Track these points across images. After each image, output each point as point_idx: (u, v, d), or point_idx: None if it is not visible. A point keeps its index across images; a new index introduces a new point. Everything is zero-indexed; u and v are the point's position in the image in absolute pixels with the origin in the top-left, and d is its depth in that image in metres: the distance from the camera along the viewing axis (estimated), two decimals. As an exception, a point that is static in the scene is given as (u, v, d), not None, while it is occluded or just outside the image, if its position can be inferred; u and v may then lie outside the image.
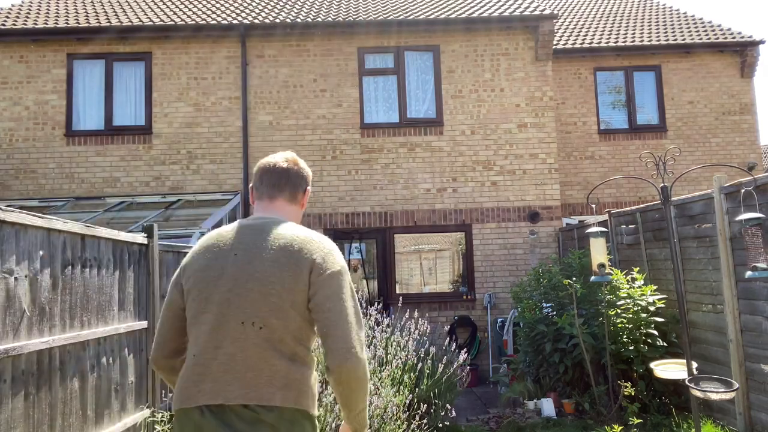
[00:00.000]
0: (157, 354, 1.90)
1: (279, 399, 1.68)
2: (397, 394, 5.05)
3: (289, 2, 11.13)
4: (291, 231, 1.81)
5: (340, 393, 1.73)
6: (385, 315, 6.14)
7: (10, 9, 10.65)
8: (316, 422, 1.75)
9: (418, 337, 5.81)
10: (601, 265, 4.72)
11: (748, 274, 3.62)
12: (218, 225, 8.27)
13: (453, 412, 5.51)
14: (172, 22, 9.66)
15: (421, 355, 5.60)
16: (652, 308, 5.91)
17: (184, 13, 10.39)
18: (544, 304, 6.84)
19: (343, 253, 9.70)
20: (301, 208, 2.04)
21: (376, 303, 6.27)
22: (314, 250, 1.76)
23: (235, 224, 1.89)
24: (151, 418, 4.53)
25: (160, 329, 1.89)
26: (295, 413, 1.70)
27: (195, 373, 1.72)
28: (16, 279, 3.10)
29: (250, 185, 2.06)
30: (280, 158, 2.00)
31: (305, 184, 2.03)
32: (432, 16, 9.72)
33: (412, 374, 5.30)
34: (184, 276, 1.84)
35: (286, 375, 1.70)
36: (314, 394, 1.77)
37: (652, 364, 4.40)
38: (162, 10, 10.52)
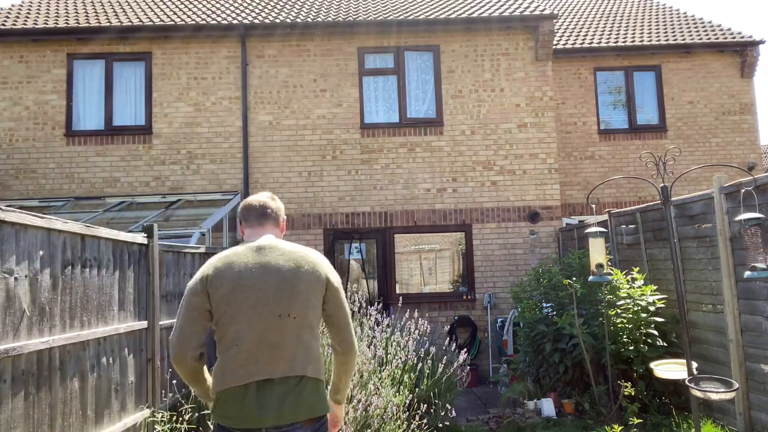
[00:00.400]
0: (186, 348, 2.24)
1: (309, 371, 2.23)
2: (397, 394, 5.05)
3: (289, 2, 11.13)
4: (299, 250, 2.36)
5: (342, 370, 2.42)
6: (385, 315, 6.14)
7: (10, 9, 10.65)
8: (319, 385, 2.30)
9: (418, 337, 5.81)
10: (600, 266, 4.72)
11: (747, 274, 3.62)
12: (218, 225, 8.29)
13: (453, 412, 5.51)
14: (172, 22, 9.66)
15: (421, 355, 5.60)
16: (652, 308, 5.91)
17: (184, 13, 10.39)
18: (544, 304, 6.84)
19: (343, 253, 9.76)
20: (282, 232, 2.54)
21: (376, 303, 6.26)
22: (323, 267, 2.35)
23: (245, 246, 2.36)
24: (151, 418, 4.53)
25: (190, 328, 2.25)
26: (317, 381, 2.26)
27: (241, 359, 2.17)
28: (16, 279, 3.10)
29: (238, 219, 2.53)
30: (262, 196, 2.53)
31: (283, 214, 2.57)
32: (432, 16, 9.72)
33: (412, 374, 5.30)
34: (210, 286, 2.24)
35: (313, 352, 2.26)
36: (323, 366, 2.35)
37: (652, 364, 4.40)
38: (162, 10, 10.53)
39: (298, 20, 9.76)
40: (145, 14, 10.21)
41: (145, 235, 4.78)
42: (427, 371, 5.55)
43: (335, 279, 2.37)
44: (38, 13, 10.31)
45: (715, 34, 11.44)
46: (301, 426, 2.17)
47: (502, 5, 10.23)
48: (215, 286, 2.22)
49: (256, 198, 2.49)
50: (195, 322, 2.24)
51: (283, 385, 2.16)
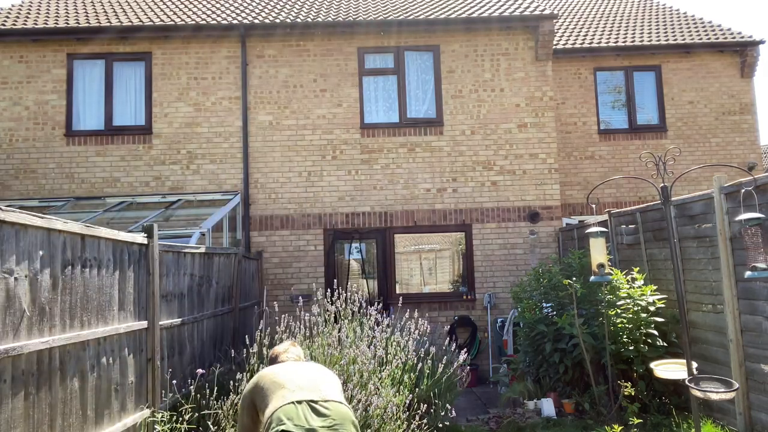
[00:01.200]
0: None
1: (345, 401, 2.96)
2: (397, 394, 5.05)
3: (289, 2, 11.13)
4: (316, 364, 3.42)
5: None
6: (385, 315, 6.14)
7: (10, 9, 10.65)
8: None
9: (418, 337, 5.81)
10: (601, 265, 4.72)
11: (748, 274, 3.62)
12: (218, 225, 8.28)
13: (453, 412, 5.51)
14: (172, 22, 9.66)
15: (421, 355, 5.60)
16: (652, 308, 5.91)
17: (184, 13, 10.39)
18: (544, 304, 6.84)
19: (343, 253, 9.76)
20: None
21: (376, 303, 6.26)
22: (333, 373, 3.28)
23: (283, 363, 3.31)
24: (151, 418, 4.53)
25: (245, 418, 3.11)
26: (347, 408, 2.91)
27: (289, 390, 2.86)
28: (16, 279, 3.10)
29: (268, 364, 3.49)
30: (285, 344, 3.55)
31: (303, 353, 3.62)
32: (432, 16, 9.72)
33: (412, 374, 5.30)
34: (256, 389, 3.04)
35: (342, 393, 3.08)
36: None
37: (652, 364, 4.40)
38: (162, 10, 10.52)
39: (298, 20, 9.76)
40: (145, 14, 10.20)
41: (145, 235, 4.78)
42: (427, 371, 5.54)
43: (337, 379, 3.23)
44: (38, 13, 10.31)
45: (715, 34, 11.44)
46: None
47: (502, 5, 10.22)
48: (262, 380, 3.05)
49: (280, 347, 3.50)
50: (248, 414, 3.09)
51: (327, 406, 2.78)
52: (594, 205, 5.54)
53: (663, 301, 5.98)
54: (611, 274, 5.65)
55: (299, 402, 2.74)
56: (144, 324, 4.68)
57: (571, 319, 6.15)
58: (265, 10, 10.61)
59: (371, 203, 9.55)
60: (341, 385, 3.23)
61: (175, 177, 9.54)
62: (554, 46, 10.71)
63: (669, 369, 4.27)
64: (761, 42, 11.00)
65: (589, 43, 11.18)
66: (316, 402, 2.75)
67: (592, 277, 4.85)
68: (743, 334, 4.93)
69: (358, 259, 9.81)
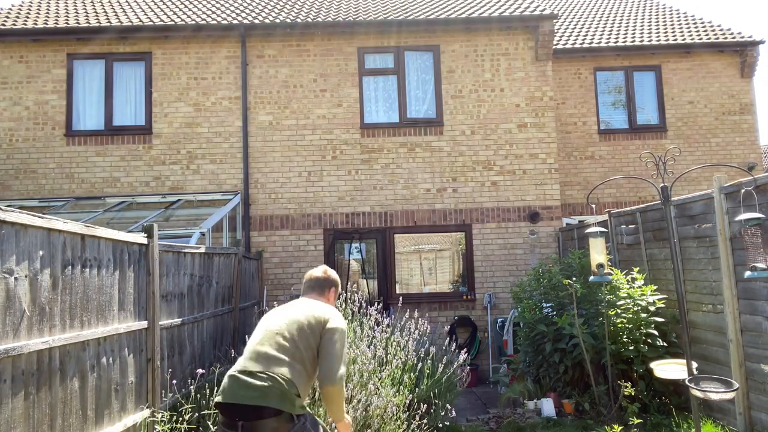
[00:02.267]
0: None
1: (283, 373, 2.80)
2: (397, 394, 5.05)
3: (289, 2, 11.13)
4: (316, 304, 3.16)
5: (326, 400, 2.99)
6: (385, 315, 6.13)
7: (10, 9, 10.65)
8: (289, 387, 2.80)
9: (418, 337, 5.81)
10: (600, 266, 4.72)
11: (747, 274, 3.61)
12: (218, 225, 8.28)
13: (453, 412, 5.50)
14: (172, 22, 9.66)
15: (421, 355, 5.60)
16: (652, 308, 5.91)
17: (184, 13, 10.39)
18: (544, 304, 6.84)
19: (343, 253, 9.75)
20: (327, 300, 3.27)
21: (376, 303, 6.26)
22: (328, 314, 3.04)
23: (281, 307, 3.22)
24: (151, 418, 4.53)
25: None
26: (280, 380, 2.78)
27: (243, 358, 2.92)
28: (16, 279, 3.10)
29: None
30: (317, 270, 3.35)
31: (331, 285, 3.33)
32: (432, 16, 9.72)
33: (412, 374, 5.30)
34: None
35: (294, 366, 2.86)
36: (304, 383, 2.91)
37: (652, 364, 4.40)
38: (162, 10, 10.53)
39: (298, 20, 9.76)
40: (145, 14, 10.21)
41: (145, 235, 4.78)
42: (427, 371, 5.54)
43: (335, 323, 2.99)
44: (38, 13, 10.31)
45: (715, 34, 11.44)
46: (268, 418, 2.68)
47: (502, 5, 10.23)
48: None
49: (312, 272, 3.35)
50: None
51: (260, 377, 2.75)
52: (594, 205, 5.54)
53: (663, 301, 5.98)
54: (611, 274, 5.64)
55: (240, 372, 2.80)
56: (144, 324, 4.68)
57: (571, 319, 6.15)
58: (265, 10, 10.61)
59: (371, 203, 9.55)
60: (330, 319, 3.00)
61: (175, 177, 9.54)
62: (554, 46, 10.71)
63: (669, 369, 4.27)
64: (761, 42, 11.01)
65: (589, 43, 11.18)
66: (252, 374, 2.77)
67: (592, 277, 4.85)
68: (743, 334, 4.93)
69: (358, 259, 9.81)
